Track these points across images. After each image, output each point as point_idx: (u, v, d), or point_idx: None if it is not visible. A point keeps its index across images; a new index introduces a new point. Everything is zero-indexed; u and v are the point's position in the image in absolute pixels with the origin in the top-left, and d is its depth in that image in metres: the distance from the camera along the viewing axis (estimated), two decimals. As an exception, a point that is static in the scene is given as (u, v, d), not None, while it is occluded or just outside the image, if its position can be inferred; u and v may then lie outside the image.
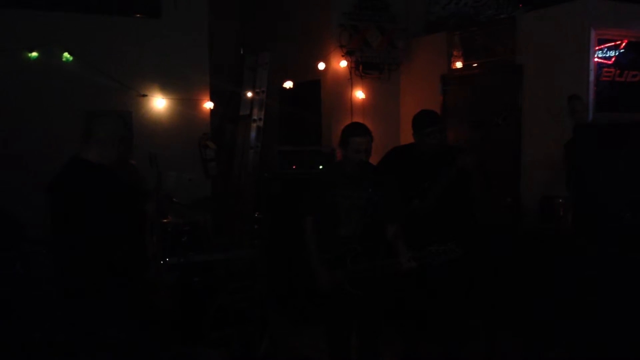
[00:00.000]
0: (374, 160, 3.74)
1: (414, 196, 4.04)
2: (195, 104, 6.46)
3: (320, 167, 6.16)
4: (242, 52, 7.59)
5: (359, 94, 6.71)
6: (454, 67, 6.28)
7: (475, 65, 6.06)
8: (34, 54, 5.73)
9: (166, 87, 6.30)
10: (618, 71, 5.21)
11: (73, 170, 3.08)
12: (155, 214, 3.94)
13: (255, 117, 7.07)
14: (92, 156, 3.08)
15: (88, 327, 3.04)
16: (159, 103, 6.27)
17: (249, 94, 7.09)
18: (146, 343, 3.20)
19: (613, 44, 5.18)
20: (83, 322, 3.06)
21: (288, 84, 6.75)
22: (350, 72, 6.63)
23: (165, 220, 4.76)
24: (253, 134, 7.05)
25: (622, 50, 5.22)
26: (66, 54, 5.81)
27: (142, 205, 3.40)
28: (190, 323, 4.46)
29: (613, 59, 5.19)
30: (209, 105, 6.51)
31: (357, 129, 3.58)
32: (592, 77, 5.09)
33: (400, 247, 3.53)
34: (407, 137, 6.54)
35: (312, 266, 3.53)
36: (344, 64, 6.57)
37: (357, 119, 6.23)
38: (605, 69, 5.17)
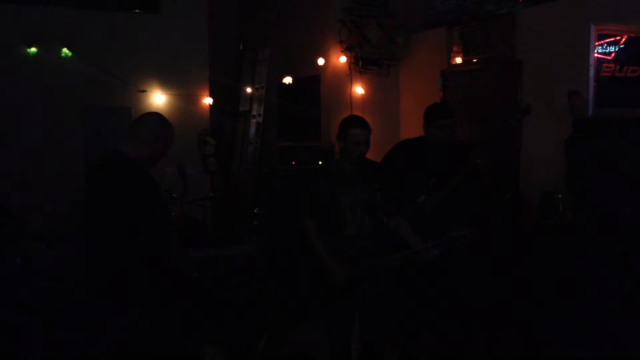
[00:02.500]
0: (372, 156, 3.73)
1: (420, 192, 4.02)
2: (194, 100, 6.45)
3: (320, 162, 6.16)
4: (241, 48, 7.57)
5: (359, 90, 6.70)
6: (453, 63, 6.27)
7: (475, 60, 6.05)
8: (33, 49, 5.72)
9: (165, 82, 6.29)
10: (618, 67, 5.21)
11: (111, 164, 3.09)
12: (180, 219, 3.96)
13: (254, 112, 7.06)
14: (129, 150, 3.09)
15: (96, 321, 3.03)
16: (158, 99, 6.26)
17: (248, 90, 7.08)
18: (154, 339, 3.19)
19: (613, 39, 5.17)
20: (93, 316, 3.05)
21: (287, 80, 6.74)
22: (350, 68, 6.62)
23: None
24: (252, 129, 7.04)
25: (621, 46, 5.21)
26: (65, 50, 5.80)
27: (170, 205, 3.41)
28: (191, 319, 4.46)
29: (613, 55, 5.18)
30: (208, 100, 6.50)
31: (356, 121, 3.57)
32: (591, 73, 5.08)
33: (414, 238, 3.52)
34: (407, 133, 6.54)
35: (324, 264, 3.49)
36: (343, 59, 6.57)
37: (357, 114, 6.22)
38: (605, 65, 5.16)
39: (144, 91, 6.20)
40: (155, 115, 3.37)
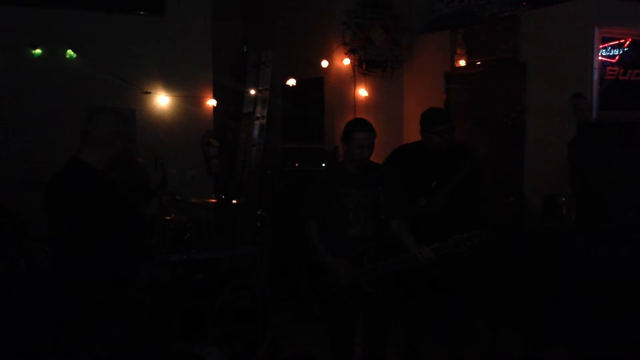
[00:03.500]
0: (376, 158, 3.73)
1: (421, 196, 4.02)
2: (198, 102, 6.46)
3: (323, 165, 6.16)
4: (245, 50, 7.58)
5: (362, 92, 6.71)
6: (457, 65, 6.27)
7: (479, 63, 6.05)
8: (38, 51, 5.73)
9: (169, 84, 6.30)
10: (622, 70, 5.20)
11: (68, 172, 3.06)
12: (157, 214, 3.90)
13: (258, 114, 7.07)
14: (88, 156, 3.04)
15: (83, 326, 3.02)
16: (162, 100, 6.27)
17: (252, 92, 7.09)
18: (144, 341, 3.18)
19: (617, 42, 5.16)
20: (78, 321, 3.04)
21: (291, 82, 6.75)
22: (354, 70, 6.62)
23: (167, 218, 4.77)
24: (256, 131, 7.05)
25: (626, 49, 5.21)
26: (70, 51, 5.81)
27: (142, 206, 3.38)
28: (193, 320, 4.46)
29: (617, 58, 5.18)
30: (212, 102, 6.51)
31: (360, 124, 3.57)
32: (595, 76, 5.08)
33: (411, 241, 3.52)
34: (410, 135, 6.54)
35: (326, 263, 3.50)
36: (347, 61, 6.57)
37: (360, 116, 6.22)
38: (609, 68, 5.16)
39: (148, 93, 6.21)
40: (108, 113, 3.24)
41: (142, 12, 6.23)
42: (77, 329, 3.08)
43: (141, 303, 3.17)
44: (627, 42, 5.21)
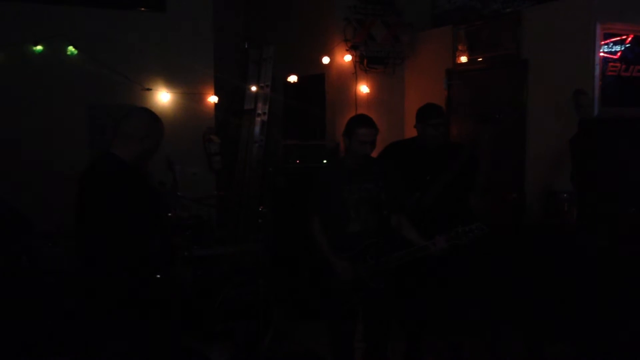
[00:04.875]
0: (376, 155, 3.74)
1: (415, 189, 4.05)
2: (199, 98, 6.46)
3: (325, 161, 6.16)
4: (246, 46, 7.58)
5: (364, 88, 6.70)
6: (459, 62, 6.26)
7: (481, 59, 6.04)
8: (39, 47, 5.74)
9: (171, 81, 6.30)
10: (624, 66, 5.19)
11: (101, 165, 3.08)
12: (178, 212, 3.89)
13: (259, 111, 7.07)
14: (119, 151, 3.06)
15: (104, 324, 3.01)
16: (163, 97, 6.27)
17: (254, 88, 7.08)
18: (154, 339, 3.18)
19: (619, 38, 5.15)
20: (100, 316, 3.03)
21: (292, 78, 6.74)
22: (355, 66, 6.62)
23: (169, 215, 4.77)
24: (257, 128, 7.05)
25: (627, 45, 5.20)
26: (71, 48, 5.81)
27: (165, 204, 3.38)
28: (194, 317, 4.47)
29: (619, 54, 5.17)
30: (213, 99, 6.51)
31: (363, 121, 3.57)
32: (597, 72, 5.07)
33: (415, 234, 3.54)
34: (411, 131, 6.52)
35: (329, 261, 3.50)
36: (348, 58, 6.56)
37: (362, 113, 6.22)
38: (611, 64, 5.15)
39: (149, 89, 6.21)
40: (142, 112, 3.29)
41: (142, 9, 6.23)
42: (94, 326, 3.08)
43: (165, 300, 3.17)
44: (629, 38, 5.20)
